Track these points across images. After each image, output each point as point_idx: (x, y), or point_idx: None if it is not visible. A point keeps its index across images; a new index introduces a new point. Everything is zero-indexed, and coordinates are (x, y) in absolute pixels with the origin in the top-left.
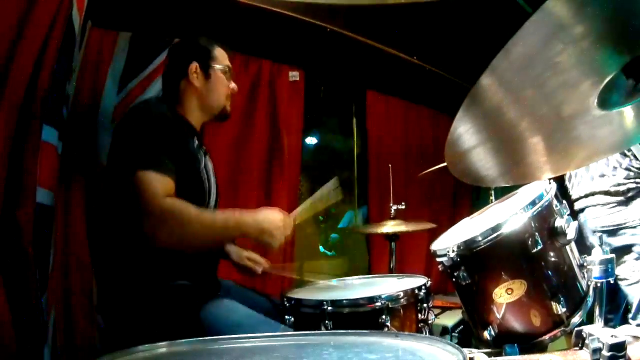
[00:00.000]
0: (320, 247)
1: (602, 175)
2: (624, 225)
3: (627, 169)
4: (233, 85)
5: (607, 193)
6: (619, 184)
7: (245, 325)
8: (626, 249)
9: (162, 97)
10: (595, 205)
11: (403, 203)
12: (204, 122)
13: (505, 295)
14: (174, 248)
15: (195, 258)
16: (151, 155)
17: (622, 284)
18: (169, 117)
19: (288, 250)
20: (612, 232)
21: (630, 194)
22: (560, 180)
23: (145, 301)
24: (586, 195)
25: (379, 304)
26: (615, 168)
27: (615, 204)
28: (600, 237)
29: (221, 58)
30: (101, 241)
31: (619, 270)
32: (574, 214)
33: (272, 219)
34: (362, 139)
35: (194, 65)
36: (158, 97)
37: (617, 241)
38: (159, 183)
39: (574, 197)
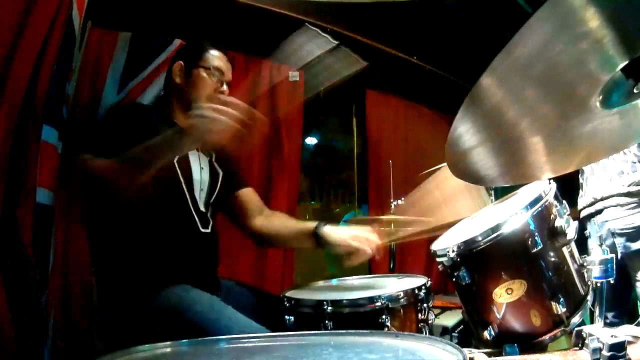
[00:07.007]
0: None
1: (621, 173)
2: None
3: None
4: (223, 89)
5: (627, 195)
6: (638, 183)
7: (234, 328)
8: None
9: (154, 102)
10: (615, 206)
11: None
12: None
13: (505, 295)
14: (142, 183)
15: (194, 258)
16: (97, 143)
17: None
18: (138, 111)
19: (288, 252)
20: (633, 235)
21: None
22: (564, 180)
23: (145, 303)
24: (603, 198)
25: (379, 304)
26: (634, 163)
27: (635, 205)
28: (600, 237)
29: (210, 60)
30: (101, 242)
31: None
32: (590, 216)
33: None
34: (362, 139)
35: (178, 64)
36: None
37: (639, 244)
38: (97, 161)
39: (591, 199)
